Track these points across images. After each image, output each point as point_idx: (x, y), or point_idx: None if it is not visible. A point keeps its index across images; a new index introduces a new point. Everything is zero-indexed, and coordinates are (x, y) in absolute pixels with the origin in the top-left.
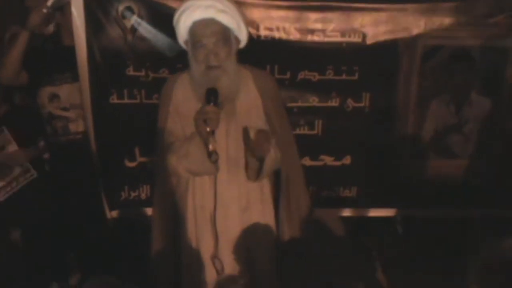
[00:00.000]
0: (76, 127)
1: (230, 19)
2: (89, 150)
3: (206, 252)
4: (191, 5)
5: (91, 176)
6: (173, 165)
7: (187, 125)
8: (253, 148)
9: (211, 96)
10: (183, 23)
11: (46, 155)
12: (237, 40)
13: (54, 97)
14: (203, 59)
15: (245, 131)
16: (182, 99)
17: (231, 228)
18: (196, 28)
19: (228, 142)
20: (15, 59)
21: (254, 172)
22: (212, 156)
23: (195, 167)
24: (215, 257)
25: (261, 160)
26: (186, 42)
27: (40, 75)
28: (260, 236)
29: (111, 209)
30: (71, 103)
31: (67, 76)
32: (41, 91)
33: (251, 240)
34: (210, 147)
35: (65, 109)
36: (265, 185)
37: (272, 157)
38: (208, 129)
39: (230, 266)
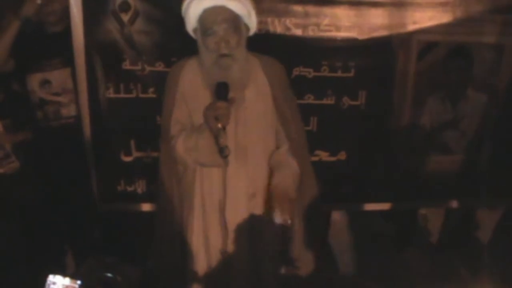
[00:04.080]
0: (68, 111)
1: (241, 6)
2: (84, 143)
3: (214, 240)
4: None
5: (83, 165)
6: (181, 155)
7: (195, 111)
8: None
9: (222, 91)
10: (193, 11)
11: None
12: (247, 28)
13: (45, 82)
14: (214, 47)
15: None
16: (190, 85)
17: (239, 215)
18: (207, 15)
19: (236, 130)
20: (4, 47)
21: None
22: (223, 151)
23: (205, 160)
24: (224, 250)
25: None
26: (195, 30)
27: (28, 62)
28: (265, 224)
29: (106, 202)
30: (62, 88)
31: (57, 62)
32: (31, 78)
33: (256, 228)
34: (221, 142)
35: (56, 94)
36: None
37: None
38: (219, 125)
39: (236, 252)
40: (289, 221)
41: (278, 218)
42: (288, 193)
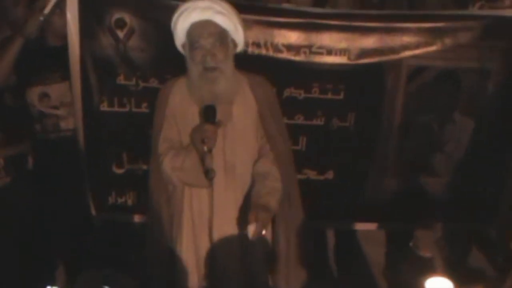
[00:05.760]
0: (67, 124)
1: (227, 21)
2: (78, 154)
3: (204, 258)
4: (189, 7)
5: (78, 177)
6: (168, 174)
7: (184, 129)
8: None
9: (209, 113)
10: (181, 25)
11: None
12: (234, 43)
13: (44, 96)
14: (200, 60)
15: (244, 228)
16: (179, 103)
17: (228, 233)
18: (194, 29)
19: (224, 145)
20: (8, 64)
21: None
22: (208, 174)
23: (190, 180)
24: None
25: None
26: (183, 45)
27: (28, 75)
28: (255, 243)
29: (98, 212)
30: (61, 101)
31: (56, 76)
32: (30, 91)
33: (246, 246)
34: (207, 164)
35: (55, 107)
36: None
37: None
38: (205, 148)
39: (226, 272)
40: (263, 232)
41: (250, 233)
42: (268, 206)
